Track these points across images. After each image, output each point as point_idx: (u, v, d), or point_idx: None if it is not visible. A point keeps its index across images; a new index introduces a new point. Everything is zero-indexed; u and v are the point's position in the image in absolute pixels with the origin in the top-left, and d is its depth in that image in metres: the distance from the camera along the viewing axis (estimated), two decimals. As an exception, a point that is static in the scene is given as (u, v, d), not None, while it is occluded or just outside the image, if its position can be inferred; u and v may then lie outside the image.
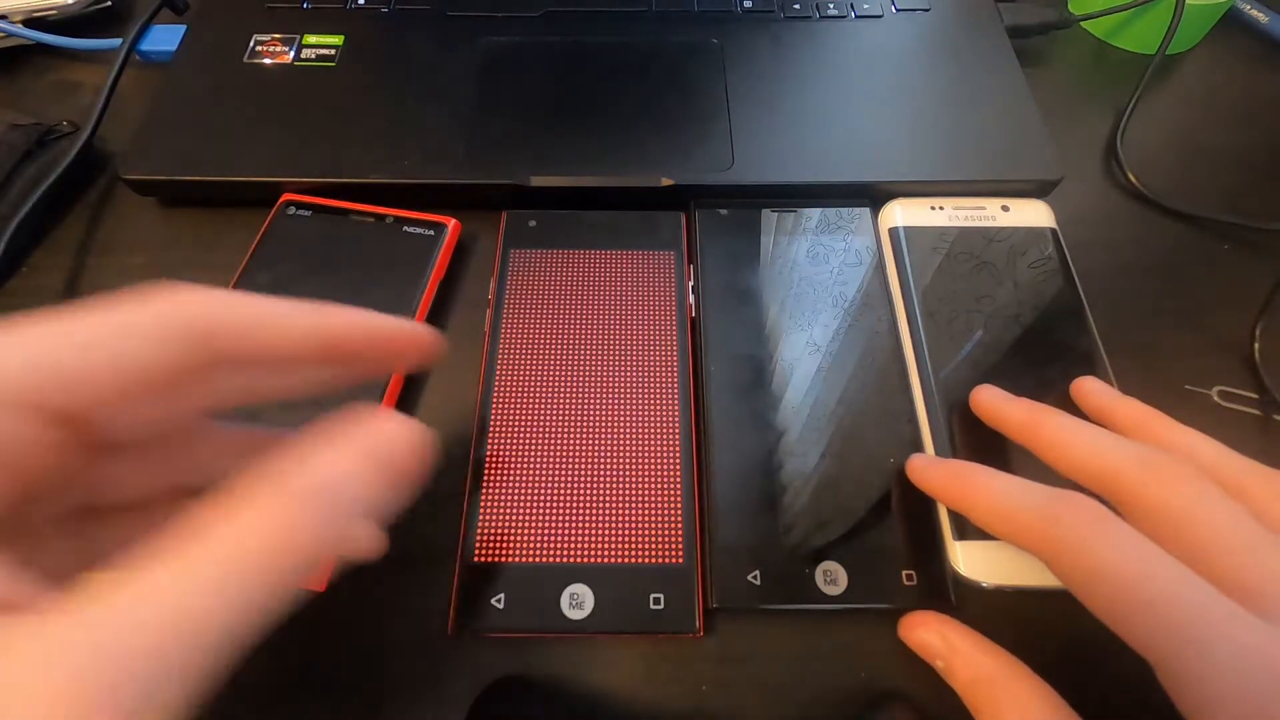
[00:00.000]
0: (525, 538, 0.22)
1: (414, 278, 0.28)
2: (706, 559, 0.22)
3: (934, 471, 0.22)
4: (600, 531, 0.23)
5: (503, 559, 0.22)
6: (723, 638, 0.22)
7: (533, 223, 0.29)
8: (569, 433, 0.24)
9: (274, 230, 0.29)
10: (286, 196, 0.29)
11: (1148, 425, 0.21)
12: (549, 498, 0.23)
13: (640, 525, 0.23)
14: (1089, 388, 0.24)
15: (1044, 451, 0.21)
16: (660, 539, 0.22)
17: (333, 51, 0.34)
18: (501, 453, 0.24)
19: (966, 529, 0.23)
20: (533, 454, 0.24)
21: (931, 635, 0.21)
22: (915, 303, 0.27)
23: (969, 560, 0.22)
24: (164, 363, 0.13)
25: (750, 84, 0.33)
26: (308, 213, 0.29)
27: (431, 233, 0.29)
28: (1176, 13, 0.36)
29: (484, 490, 0.23)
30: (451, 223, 0.29)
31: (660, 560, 0.22)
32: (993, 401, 0.24)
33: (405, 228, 0.29)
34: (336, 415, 0.14)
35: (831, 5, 0.37)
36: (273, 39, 0.34)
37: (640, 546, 0.22)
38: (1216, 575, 0.16)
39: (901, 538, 0.23)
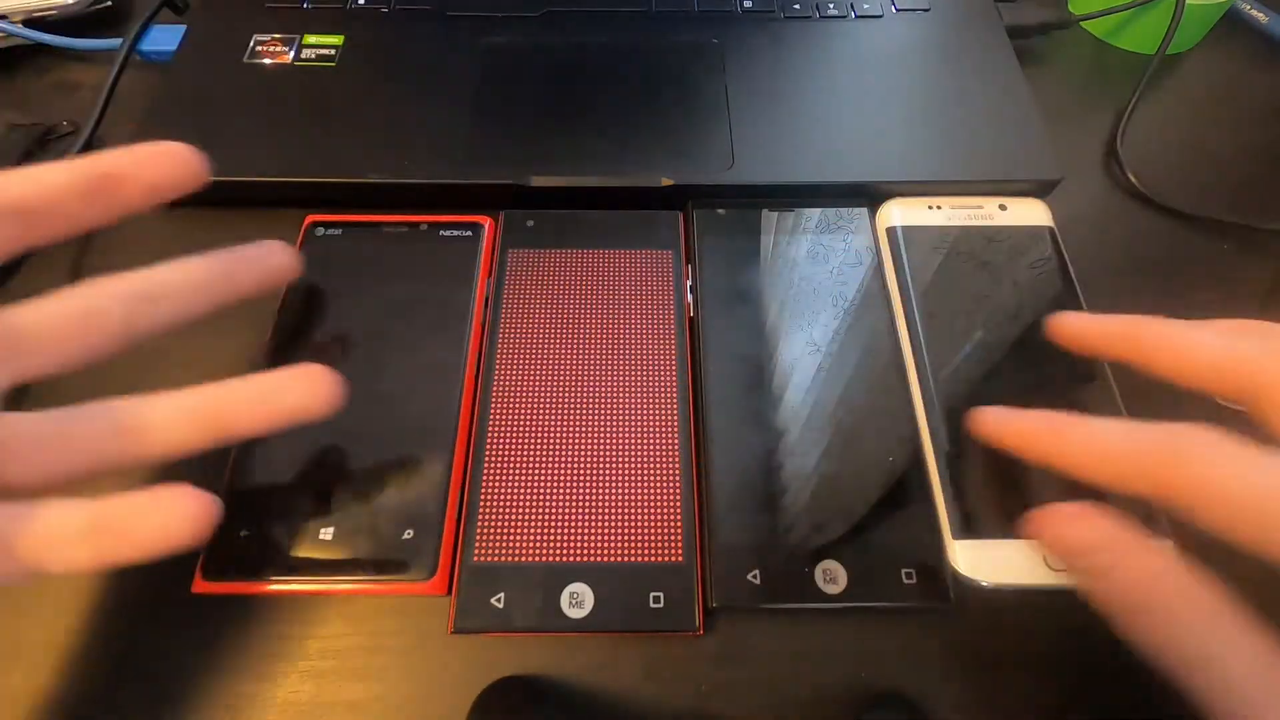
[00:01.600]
0: (525, 537, 0.22)
1: (464, 280, 0.27)
2: (706, 558, 0.22)
3: (1017, 424, 0.20)
4: (600, 531, 0.23)
5: (502, 558, 0.22)
6: (722, 637, 0.22)
7: (530, 222, 0.29)
8: (568, 432, 0.24)
9: (306, 254, 0.28)
10: (310, 218, 0.29)
11: (1244, 328, 0.19)
12: (548, 497, 0.23)
13: (640, 524, 0.23)
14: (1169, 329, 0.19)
15: (1154, 358, 0.18)
16: (660, 538, 0.22)
17: (333, 51, 0.34)
18: (500, 452, 0.24)
19: (967, 527, 0.23)
20: (532, 454, 0.24)
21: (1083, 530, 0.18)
22: (913, 302, 0.27)
23: (968, 559, 0.22)
24: None
25: (750, 84, 0.33)
26: (337, 230, 0.28)
27: (470, 234, 0.28)
28: (1176, 13, 0.36)
29: (483, 490, 0.23)
30: (488, 221, 0.29)
31: (660, 559, 0.22)
32: (1078, 321, 0.21)
33: (442, 232, 0.28)
34: None
35: (831, 5, 0.37)
36: (273, 39, 0.34)
37: (640, 546, 0.22)
38: None
39: (901, 537, 0.23)
